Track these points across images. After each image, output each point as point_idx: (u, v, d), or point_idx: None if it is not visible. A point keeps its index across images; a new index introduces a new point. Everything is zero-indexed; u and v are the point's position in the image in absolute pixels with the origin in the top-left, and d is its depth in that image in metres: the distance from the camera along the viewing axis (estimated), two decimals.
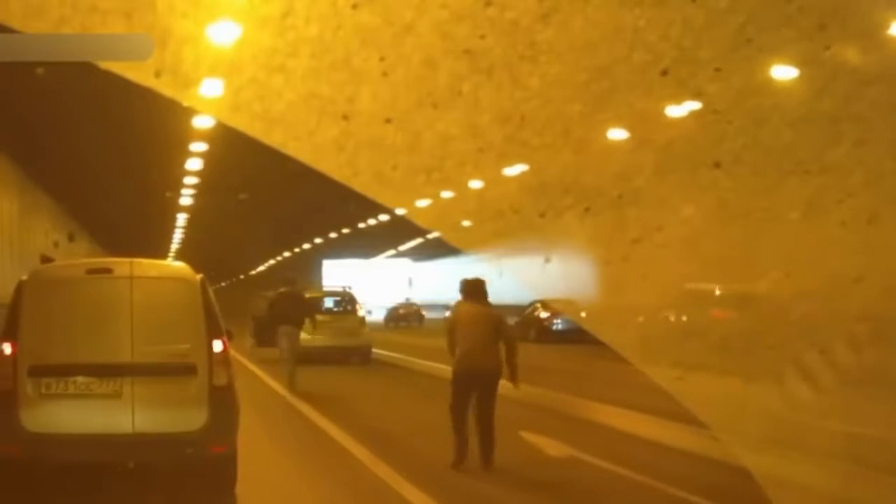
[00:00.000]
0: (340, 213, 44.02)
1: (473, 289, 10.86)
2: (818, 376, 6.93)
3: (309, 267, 75.92)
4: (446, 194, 9.92)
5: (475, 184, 9.54)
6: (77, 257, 43.28)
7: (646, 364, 8.67)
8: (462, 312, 10.83)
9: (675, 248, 7.80)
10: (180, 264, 9.81)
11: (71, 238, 43.94)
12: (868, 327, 6.82)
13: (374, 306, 29.06)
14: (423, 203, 10.51)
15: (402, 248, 71.99)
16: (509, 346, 10.71)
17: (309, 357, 21.66)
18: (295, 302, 19.80)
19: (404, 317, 53.19)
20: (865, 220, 6.74)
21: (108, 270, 9.10)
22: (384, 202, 8.72)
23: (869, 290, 6.63)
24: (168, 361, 8.74)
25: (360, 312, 26.91)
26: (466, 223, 10.52)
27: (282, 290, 20.23)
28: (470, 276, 11.15)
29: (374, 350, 27.00)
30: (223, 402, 8.84)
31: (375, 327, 35.83)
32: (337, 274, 73.40)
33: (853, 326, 6.86)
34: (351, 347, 25.38)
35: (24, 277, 9.20)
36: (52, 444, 8.52)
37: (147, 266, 9.38)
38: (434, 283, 71.32)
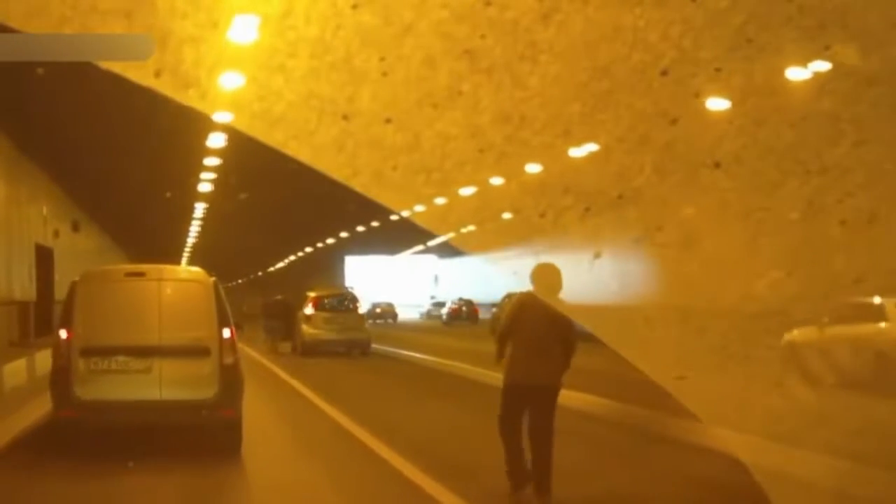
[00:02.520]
0: (367, 208, 43.93)
1: (544, 278, 9.38)
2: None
3: (332, 263, 76.09)
4: (495, 180, 10.10)
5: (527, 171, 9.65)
6: (82, 251, 42.98)
7: None
8: (525, 308, 9.54)
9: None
10: (198, 269, 12.93)
11: (75, 228, 41.03)
12: None
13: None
14: (467, 191, 10.65)
15: (431, 243, 71.92)
16: (565, 355, 9.54)
17: (315, 349, 30.14)
18: (283, 306, 34.10)
19: (381, 315, 64.95)
20: (865, 220, 6.95)
21: (142, 274, 12.33)
22: (384, 202, 9.08)
23: (869, 290, 6.90)
24: (188, 344, 11.81)
25: (361, 310, 32.94)
26: (507, 215, 10.73)
27: (277, 297, 36.05)
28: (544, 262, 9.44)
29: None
30: (231, 377, 11.88)
31: None
32: (360, 270, 74.09)
33: None
34: (353, 341, 30.77)
35: (77, 279, 12.36)
36: (98, 408, 11.66)
37: (172, 271, 12.99)
38: (462, 281, 71.42)
